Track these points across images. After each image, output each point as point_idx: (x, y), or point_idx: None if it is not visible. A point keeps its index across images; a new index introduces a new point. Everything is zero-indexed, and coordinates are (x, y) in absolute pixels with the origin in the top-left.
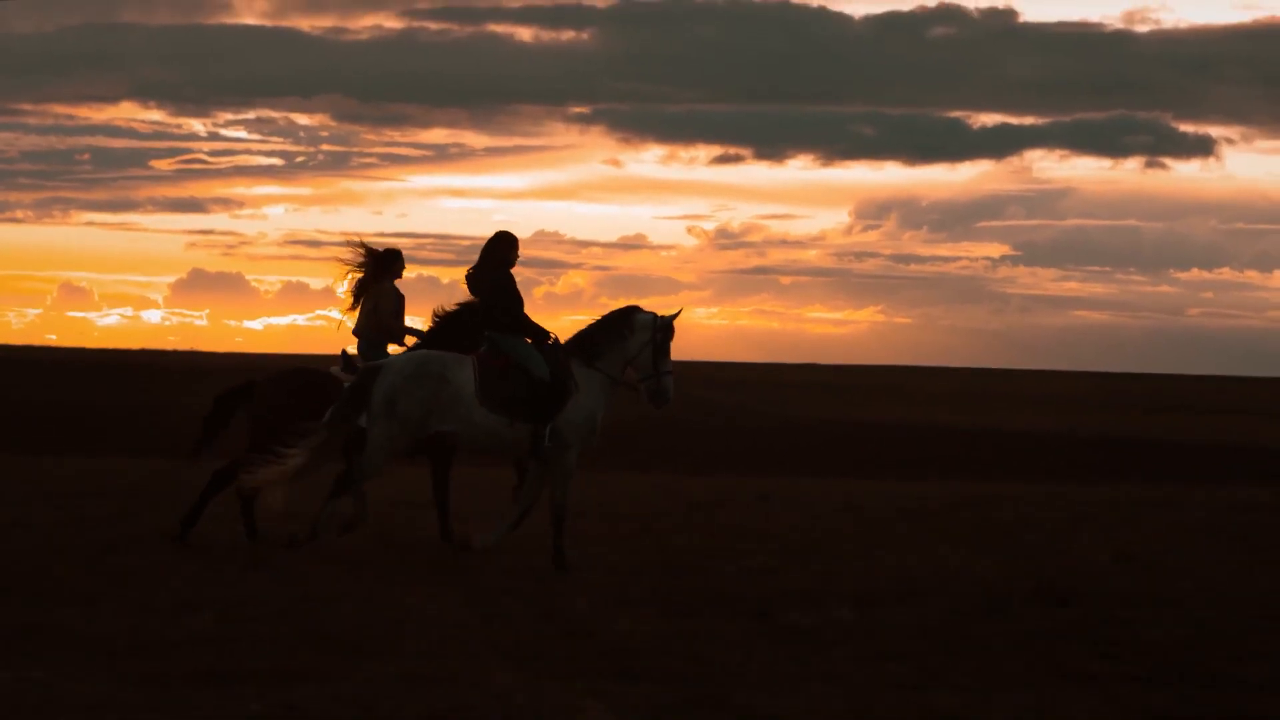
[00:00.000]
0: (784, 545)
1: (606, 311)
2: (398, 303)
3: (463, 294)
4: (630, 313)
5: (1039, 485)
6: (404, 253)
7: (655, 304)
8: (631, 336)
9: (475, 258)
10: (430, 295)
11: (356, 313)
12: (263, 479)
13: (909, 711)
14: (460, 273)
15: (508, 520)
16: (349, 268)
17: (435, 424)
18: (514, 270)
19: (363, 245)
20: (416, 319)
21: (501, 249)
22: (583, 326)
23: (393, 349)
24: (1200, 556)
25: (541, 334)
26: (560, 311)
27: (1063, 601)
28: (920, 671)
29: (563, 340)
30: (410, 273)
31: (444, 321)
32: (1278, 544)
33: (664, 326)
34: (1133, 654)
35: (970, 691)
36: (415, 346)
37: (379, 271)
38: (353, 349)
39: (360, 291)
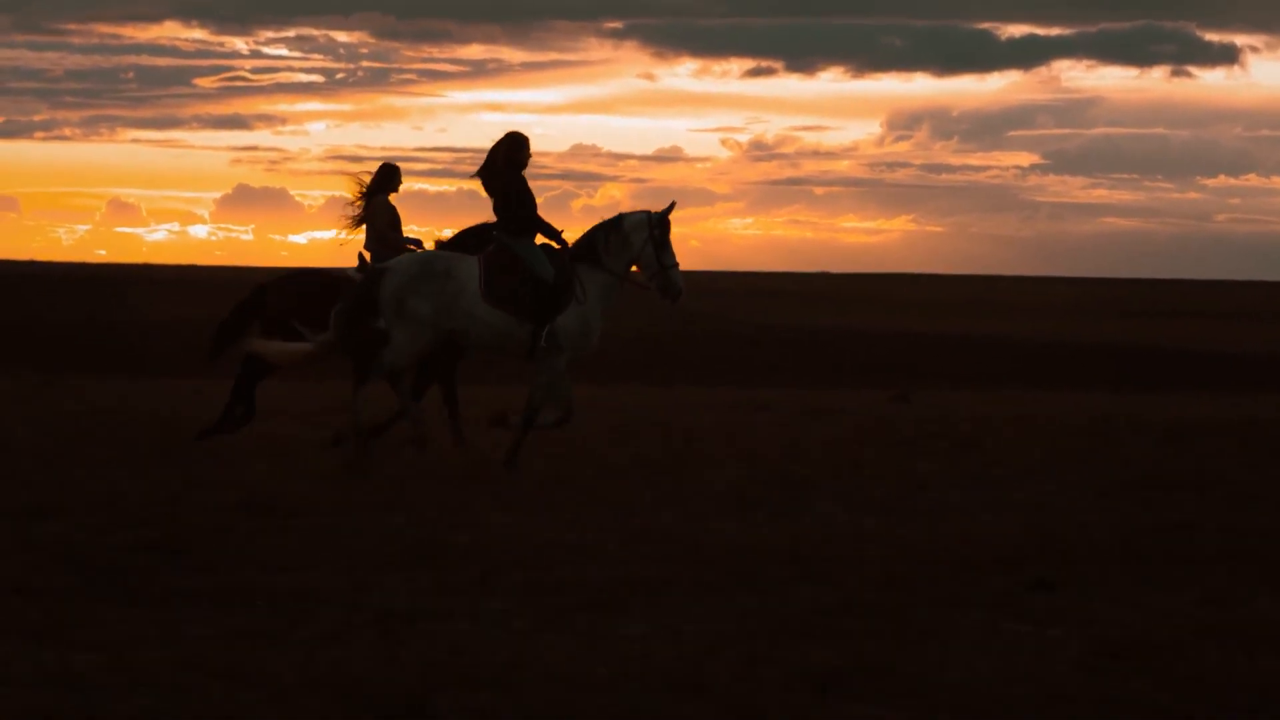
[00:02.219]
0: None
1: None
2: (393, 216)
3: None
4: (623, 216)
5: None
6: (438, 169)
7: (691, 214)
8: (632, 236)
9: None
10: (469, 208)
11: (363, 230)
12: (270, 350)
13: None
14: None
15: (553, 416)
16: (352, 187)
17: (445, 321)
18: (546, 178)
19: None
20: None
21: (512, 150)
22: (585, 233)
23: None
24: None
25: (555, 233)
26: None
27: None
28: None
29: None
30: (450, 185)
31: (450, 242)
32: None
33: (659, 222)
34: None
35: None
36: None
37: (375, 187)
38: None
39: (362, 207)
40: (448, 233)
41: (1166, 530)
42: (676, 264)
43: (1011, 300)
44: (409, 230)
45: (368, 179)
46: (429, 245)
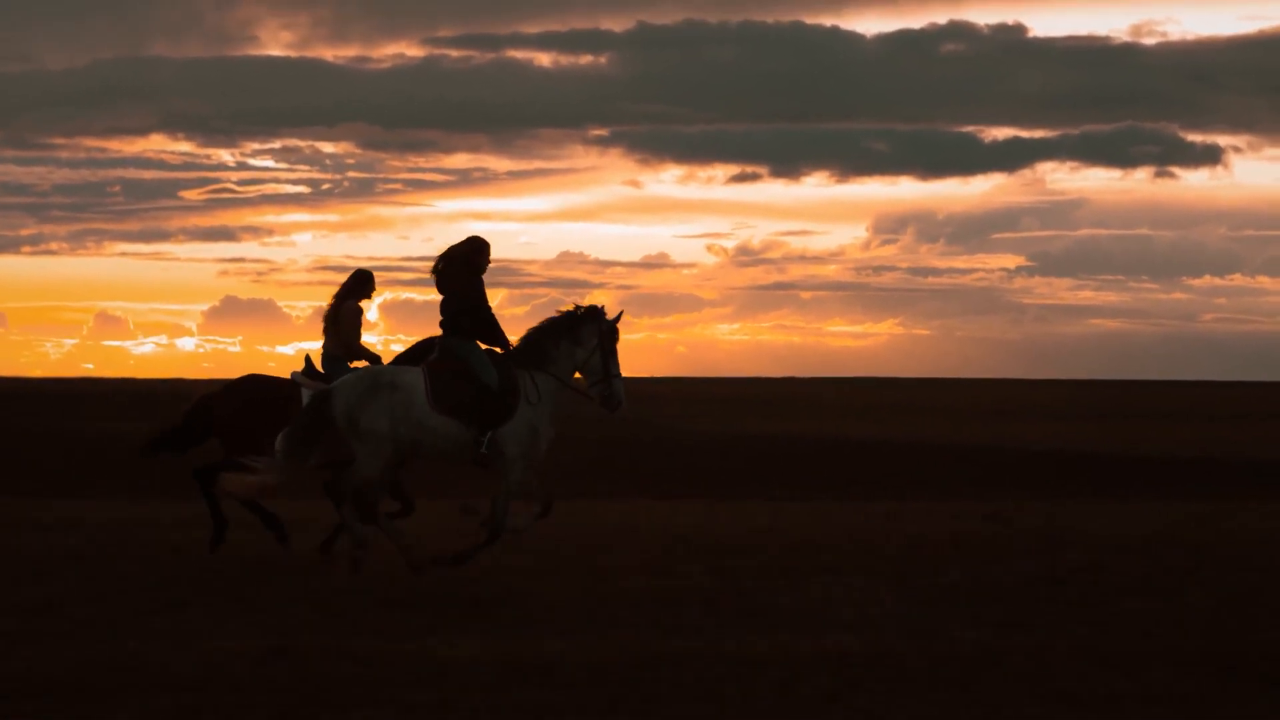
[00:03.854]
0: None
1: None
2: (358, 322)
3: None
4: (573, 318)
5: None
6: (426, 279)
7: (679, 321)
8: (580, 342)
9: (502, 280)
10: None
11: (324, 332)
12: (238, 486)
13: None
14: (488, 296)
15: (533, 512)
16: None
17: (402, 432)
18: (533, 286)
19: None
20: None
21: (472, 254)
22: (529, 332)
23: (355, 365)
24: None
25: (505, 342)
26: None
27: None
28: None
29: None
30: (437, 295)
31: (411, 351)
32: None
33: (609, 331)
34: None
35: None
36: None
37: (345, 292)
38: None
39: (332, 310)
40: (397, 348)
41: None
42: (620, 374)
43: (998, 405)
44: (395, 341)
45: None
46: (361, 364)
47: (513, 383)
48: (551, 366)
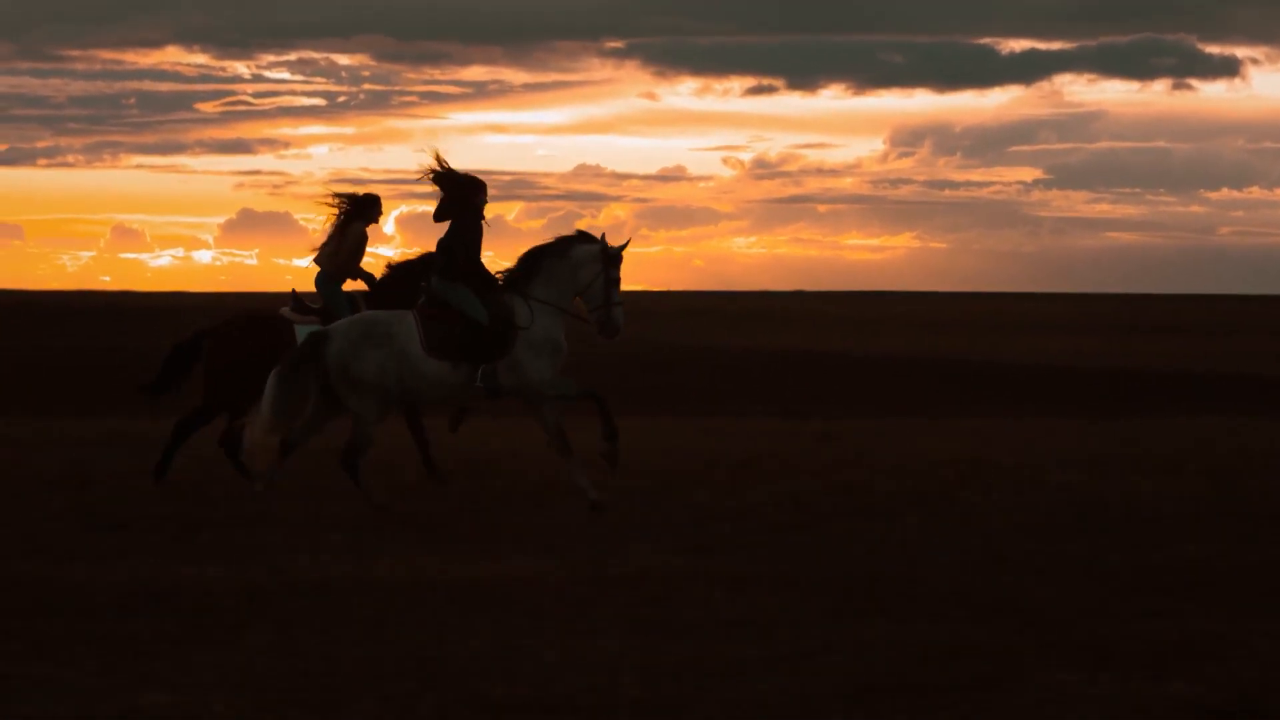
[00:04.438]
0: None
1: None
2: (362, 246)
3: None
4: (574, 243)
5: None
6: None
7: (696, 234)
8: (581, 268)
9: (519, 193)
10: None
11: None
12: (253, 445)
13: None
14: (501, 207)
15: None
16: (331, 209)
17: (395, 382)
18: (550, 199)
19: (339, 195)
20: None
21: (471, 192)
22: (526, 253)
23: (348, 285)
24: None
25: (490, 282)
26: None
27: None
28: None
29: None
30: None
31: (395, 271)
32: None
33: (614, 258)
34: None
35: None
36: (363, 294)
37: (354, 214)
38: (303, 290)
39: (336, 231)
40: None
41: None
42: (621, 302)
43: (1014, 319)
44: (411, 251)
45: (338, 202)
46: (357, 284)
47: (506, 314)
48: (544, 289)
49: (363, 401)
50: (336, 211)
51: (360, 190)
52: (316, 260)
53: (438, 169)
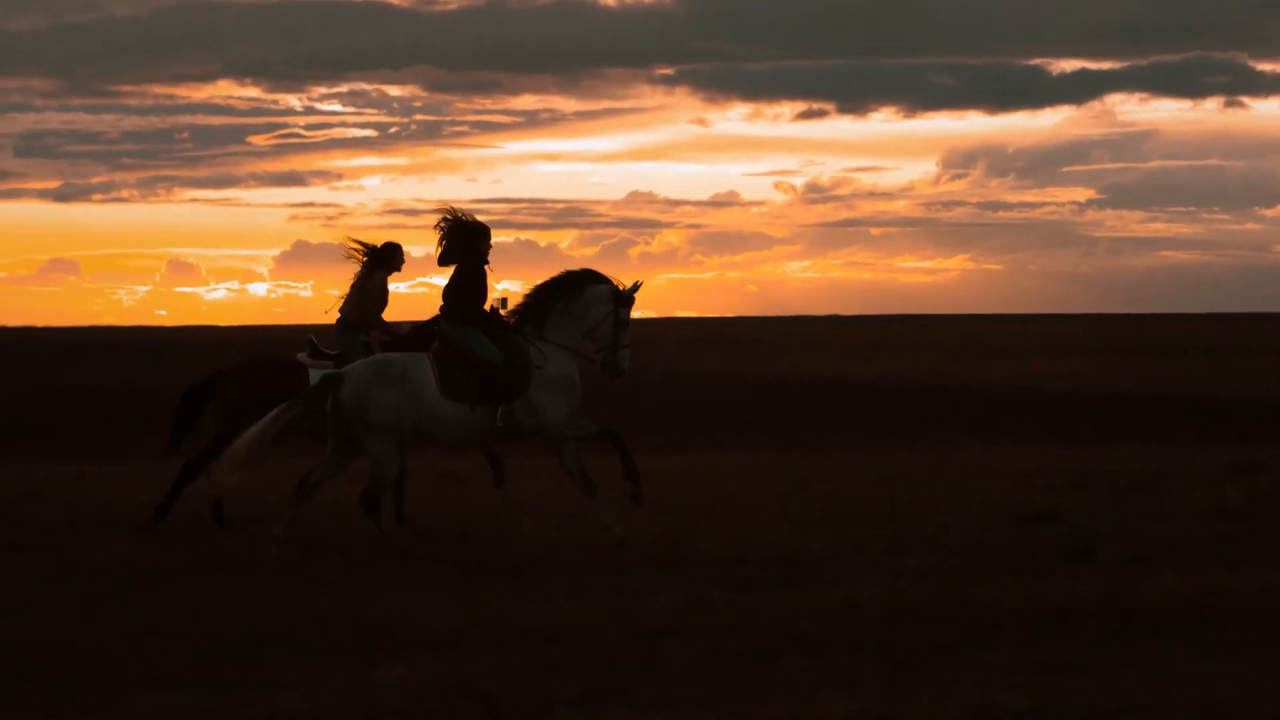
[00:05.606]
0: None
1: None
2: (384, 297)
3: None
4: (586, 283)
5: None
6: (495, 220)
7: (749, 259)
8: (592, 309)
9: (572, 220)
10: (526, 258)
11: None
12: (224, 471)
13: None
14: (555, 235)
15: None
16: (357, 259)
17: (411, 424)
18: (603, 227)
19: (361, 243)
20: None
21: (475, 239)
22: (535, 291)
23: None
24: None
25: (499, 323)
26: (657, 270)
27: None
28: None
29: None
30: (508, 236)
31: (420, 330)
32: None
33: (626, 300)
34: None
35: None
36: (383, 344)
37: (374, 264)
38: (316, 337)
39: (359, 282)
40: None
41: None
42: (629, 344)
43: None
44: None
45: (359, 252)
46: (376, 336)
47: (520, 354)
48: (557, 334)
49: (380, 443)
50: (360, 261)
51: (378, 241)
52: (340, 310)
53: (447, 216)
